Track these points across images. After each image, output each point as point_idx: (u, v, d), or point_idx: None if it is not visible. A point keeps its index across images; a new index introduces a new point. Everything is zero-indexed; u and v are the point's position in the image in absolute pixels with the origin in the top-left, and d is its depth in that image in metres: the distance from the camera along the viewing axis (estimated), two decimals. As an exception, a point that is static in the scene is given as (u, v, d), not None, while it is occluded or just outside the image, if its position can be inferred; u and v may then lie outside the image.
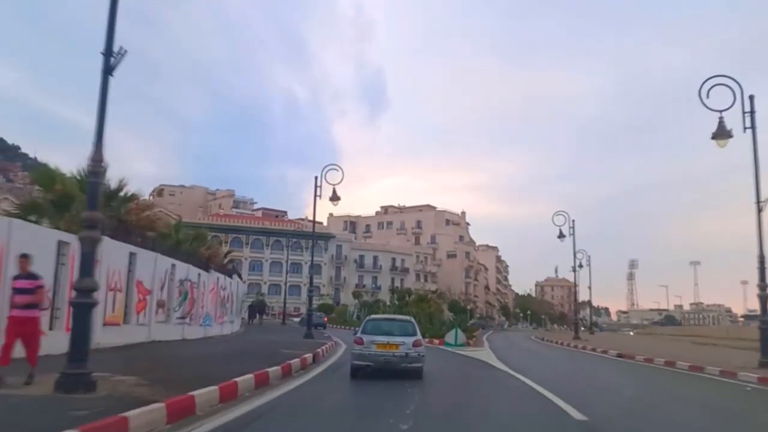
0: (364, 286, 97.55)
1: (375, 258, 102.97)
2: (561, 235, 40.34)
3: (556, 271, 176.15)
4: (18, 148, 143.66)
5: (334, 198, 27.34)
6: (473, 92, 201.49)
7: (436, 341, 28.73)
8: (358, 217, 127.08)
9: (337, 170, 27.23)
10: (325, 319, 54.56)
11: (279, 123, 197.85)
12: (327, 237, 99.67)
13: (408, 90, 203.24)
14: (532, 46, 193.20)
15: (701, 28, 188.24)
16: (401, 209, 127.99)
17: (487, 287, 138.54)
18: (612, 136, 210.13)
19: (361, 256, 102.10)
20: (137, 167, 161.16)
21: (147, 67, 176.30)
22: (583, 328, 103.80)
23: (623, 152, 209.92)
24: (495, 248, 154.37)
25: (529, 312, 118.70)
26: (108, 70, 8.41)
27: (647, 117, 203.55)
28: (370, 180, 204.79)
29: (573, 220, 35.99)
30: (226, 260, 37.75)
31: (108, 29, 8.47)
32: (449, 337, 27.00)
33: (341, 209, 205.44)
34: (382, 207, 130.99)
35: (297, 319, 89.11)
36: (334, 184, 27.19)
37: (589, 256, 54.75)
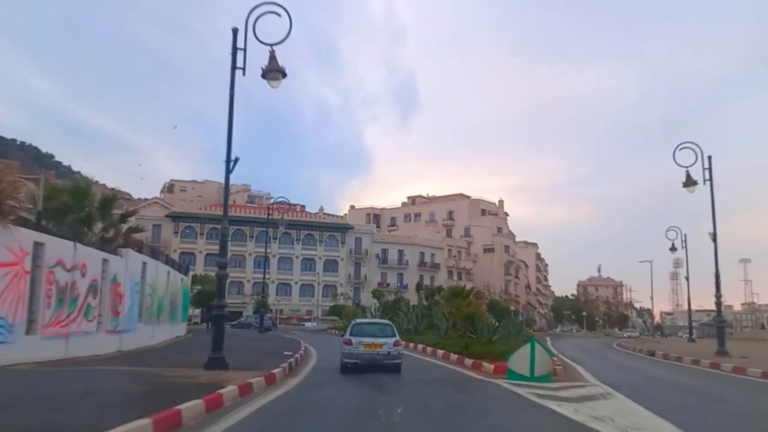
0: (387, 284, 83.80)
1: (400, 252, 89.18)
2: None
3: (599, 270, 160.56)
4: (52, 156, 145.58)
5: (273, 71, 13.61)
6: (504, 93, 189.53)
7: (488, 367, 14.99)
8: (383, 209, 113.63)
9: (279, 16, 13.20)
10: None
11: (310, 129, 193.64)
12: (344, 228, 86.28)
13: (439, 93, 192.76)
14: (564, 45, 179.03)
15: (730, 28, 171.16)
16: (430, 199, 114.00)
17: (527, 286, 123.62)
18: (645, 133, 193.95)
19: (384, 251, 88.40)
20: (171, 174, 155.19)
21: (178, 75, 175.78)
22: (631, 333, 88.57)
23: (660, 149, 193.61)
24: (534, 245, 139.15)
25: (584, 314, 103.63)
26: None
27: (682, 114, 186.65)
28: (400, 184, 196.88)
29: (709, 157, 22.39)
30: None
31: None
32: (519, 361, 13.09)
33: (364, 200, 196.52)
34: (408, 197, 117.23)
35: (310, 324, 76.10)
36: (271, 44, 13.50)
37: (684, 235, 40.48)
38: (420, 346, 23.57)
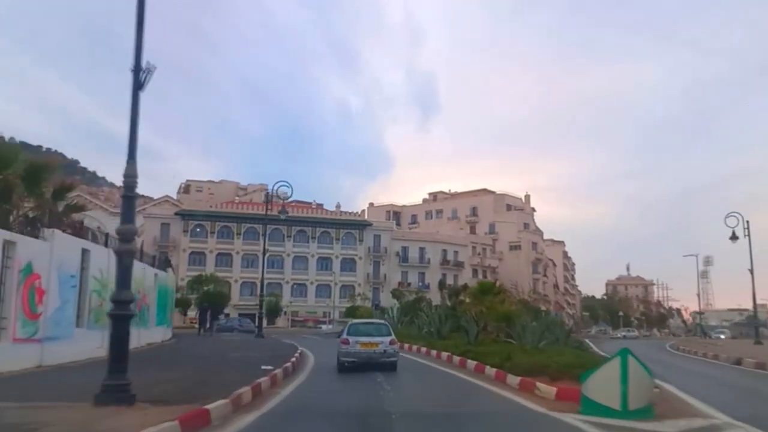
0: (408, 284, 79.06)
1: (422, 250, 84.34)
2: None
3: (627, 269, 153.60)
4: (77, 162, 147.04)
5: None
6: (527, 92, 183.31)
7: (546, 390, 10.24)
8: (403, 207, 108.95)
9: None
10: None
11: (331, 132, 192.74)
12: (362, 225, 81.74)
13: (460, 93, 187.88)
14: (588, 42, 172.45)
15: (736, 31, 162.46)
16: (452, 195, 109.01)
17: (555, 285, 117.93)
18: (678, 129, 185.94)
19: (405, 248, 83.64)
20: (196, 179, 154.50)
21: (203, 81, 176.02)
22: (683, 334, 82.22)
23: (691, 146, 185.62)
24: (561, 242, 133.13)
25: (621, 314, 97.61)
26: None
27: (715, 109, 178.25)
28: (421, 185, 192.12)
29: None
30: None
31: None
32: (602, 385, 8.31)
33: (383, 198, 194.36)
34: (430, 194, 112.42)
35: (326, 327, 71.63)
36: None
37: (747, 222, 35.21)
38: (444, 355, 18.84)
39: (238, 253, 76.14)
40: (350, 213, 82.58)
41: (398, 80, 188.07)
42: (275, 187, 29.82)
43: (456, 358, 17.14)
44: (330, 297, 75.94)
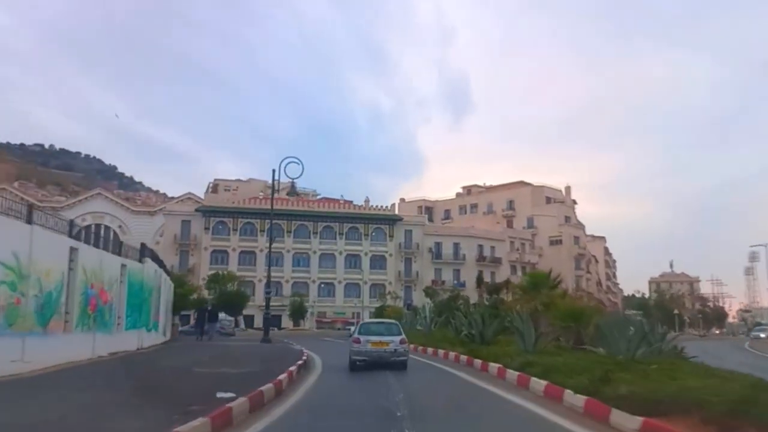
0: (443, 282, 74.08)
1: (456, 246, 79.20)
2: None
3: (671, 266, 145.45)
4: (115, 167, 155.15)
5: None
6: (561, 89, 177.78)
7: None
8: (435, 202, 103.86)
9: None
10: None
11: (363, 133, 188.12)
12: (393, 220, 76.99)
13: (493, 92, 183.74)
14: (626, 35, 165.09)
15: None
16: (488, 189, 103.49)
17: (599, 283, 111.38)
18: (716, 123, 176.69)
19: (438, 244, 78.62)
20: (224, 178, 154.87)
21: (234, 84, 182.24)
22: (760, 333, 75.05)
23: (732, 139, 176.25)
24: (602, 238, 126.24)
25: (676, 312, 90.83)
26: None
27: (755, 101, 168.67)
28: (453, 184, 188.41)
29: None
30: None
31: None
32: None
33: (415, 193, 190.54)
34: (463, 188, 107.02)
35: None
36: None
37: None
38: (494, 368, 13.90)
39: (261, 251, 72.09)
40: (380, 207, 77.81)
41: (430, 79, 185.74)
42: (283, 164, 25.07)
43: (512, 374, 12.25)
44: (359, 296, 71.41)
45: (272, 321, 69.45)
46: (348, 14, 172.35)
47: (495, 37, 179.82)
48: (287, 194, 24.20)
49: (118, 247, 18.76)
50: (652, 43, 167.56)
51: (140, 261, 20.14)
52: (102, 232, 79.83)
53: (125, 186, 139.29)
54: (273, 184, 24.34)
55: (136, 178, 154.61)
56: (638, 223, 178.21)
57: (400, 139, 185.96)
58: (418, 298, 67.45)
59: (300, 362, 14.74)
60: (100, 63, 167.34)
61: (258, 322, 69.96)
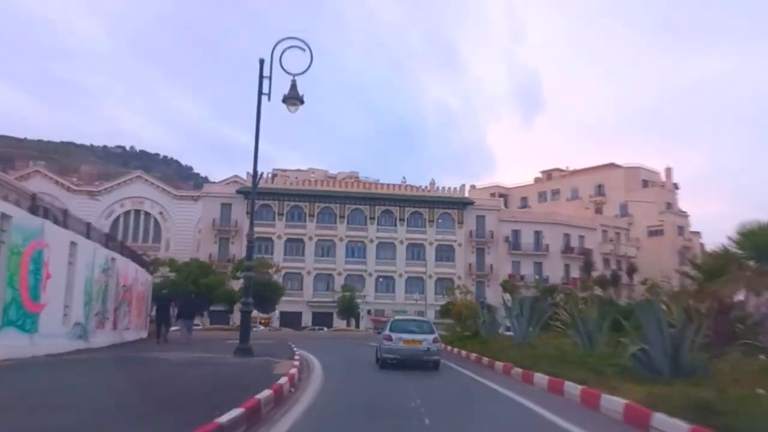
0: (521, 277, 62.63)
1: (537, 235, 67.45)
2: None
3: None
4: (191, 168, 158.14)
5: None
6: (637, 84, 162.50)
7: None
8: (510, 189, 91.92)
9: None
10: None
11: (433, 132, 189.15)
12: (462, 204, 66.07)
13: (564, 88, 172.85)
14: (699, 32, 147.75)
15: None
16: (571, 173, 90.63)
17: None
18: None
19: (516, 233, 67.10)
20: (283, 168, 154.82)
21: (306, 87, 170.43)
22: None
23: None
24: (697, 233, 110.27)
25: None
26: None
27: None
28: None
29: None
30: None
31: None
32: None
33: (488, 179, 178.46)
34: (543, 172, 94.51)
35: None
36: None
37: None
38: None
39: (311, 238, 62.95)
40: (447, 190, 67.03)
41: (500, 76, 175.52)
42: (278, 51, 14.55)
43: None
44: (423, 292, 60.94)
45: (322, 319, 60.35)
46: (418, 13, 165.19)
47: (567, 31, 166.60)
48: (283, 100, 12.77)
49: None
50: (736, 35, 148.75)
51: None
52: (141, 219, 73.10)
53: (200, 186, 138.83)
54: (260, 75, 13.95)
55: (211, 179, 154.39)
56: (727, 221, 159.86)
57: (470, 138, 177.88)
58: (493, 296, 56.35)
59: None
60: (179, 67, 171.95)
61: (306, 319, 60.80)
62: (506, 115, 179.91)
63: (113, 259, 16.93)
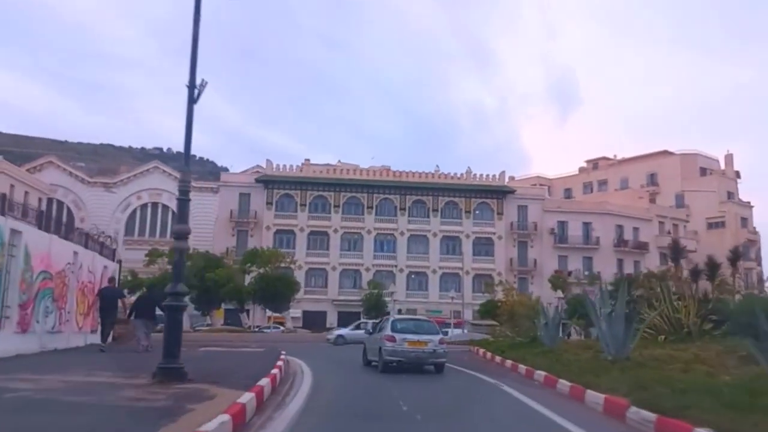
0: (570, 272, 56.30)
1: (586, 226, 60.96)
2: None
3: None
4: (226, 169, 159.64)
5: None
6: (677, 81, 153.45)
7: None
8: (553, 180, 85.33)
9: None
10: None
11: (467, 132, 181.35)
12: (502, 192, 60.06)
13: (602, 86, 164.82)
14: (745, 26, 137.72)
15: None
16: (620, 162, 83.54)
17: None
18: None
19: (562, 224, 60.73)
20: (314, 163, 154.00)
21: (338, 89, 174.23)
22: None
23: None
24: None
25: None
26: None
27: None
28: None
29: None
30: None
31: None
32: None
33: (529, 169, 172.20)
34: (588, 161, 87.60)
35: (458, 331, 50.35)
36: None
37: None
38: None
39: (336, 231, 57.71)
40: (485, 177, 61.02)
41: (534, 76, 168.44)
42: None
43: None
44: (459, 290, 55.07)
45: (348, 319, 54.41)
46: (450, 12, 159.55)
47: (605, 21, 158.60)
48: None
49: None
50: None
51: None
52: (159, 212, 69.00)
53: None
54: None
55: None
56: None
57: (504, 136, 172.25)
58: (539, 293, 50.11)
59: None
60: (214, 69, 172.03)
61: (332, 319, 55.48)
62: (542, 111, 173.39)
63: (19, 233, 11.76)
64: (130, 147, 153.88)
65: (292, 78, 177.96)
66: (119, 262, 20.35)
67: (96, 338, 16.62)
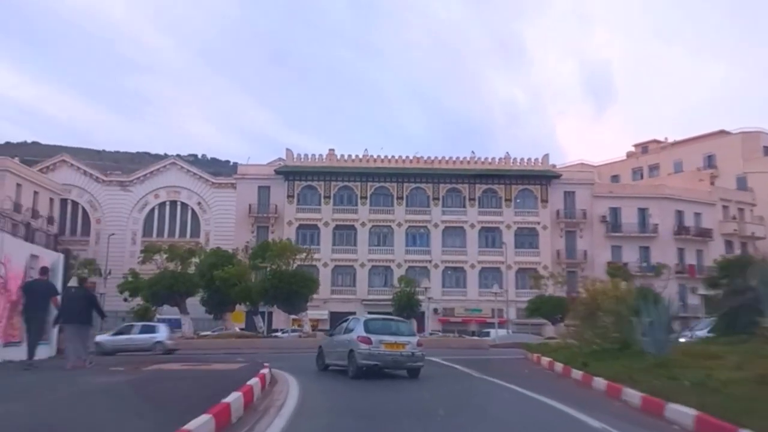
0: (625, 264, 50.25)
1: (642, 213, 54.74)
2: None
3: None
4: None
5: None
6: (713, 73, 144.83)
7: None
8: (599, 167, 78.80)
9: None
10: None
11: (500, 129, 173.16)
12: (546, 177, 54.33)
13: (638, 79, 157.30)
14: None
15: None
16: (672, 144, 76.68)
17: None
18: None
19: (614, 211, 54.61)
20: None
21: (367, 88, 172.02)
22: None
23: None
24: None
25: None
26: None
27: None
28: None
29: None
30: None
31: None
32: None
33: (573, 155, 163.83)
34: (636, 145, 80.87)
35: (502, 333, 44.69)
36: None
37: None
38: None
39: (363, 225, 52.84)
40: (527, 161, 55.38)
41: (568, 68, 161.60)
42: None
43: None
44: (502, 286, 49.55)
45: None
46: (479, 10, 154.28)
47: (639, 17, 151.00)
48: None
49: None
50: None
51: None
52: (178, 211, 65.28)
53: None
54: None
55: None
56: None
57: (540, 131, 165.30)
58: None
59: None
60: (245, 74, 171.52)
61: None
62: (578, 102, 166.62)
63: None
64: (166, 154, 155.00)
65: (319, 80, 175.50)
66: (65, 252, 15.70)
67: (19, 352, 12.07)
